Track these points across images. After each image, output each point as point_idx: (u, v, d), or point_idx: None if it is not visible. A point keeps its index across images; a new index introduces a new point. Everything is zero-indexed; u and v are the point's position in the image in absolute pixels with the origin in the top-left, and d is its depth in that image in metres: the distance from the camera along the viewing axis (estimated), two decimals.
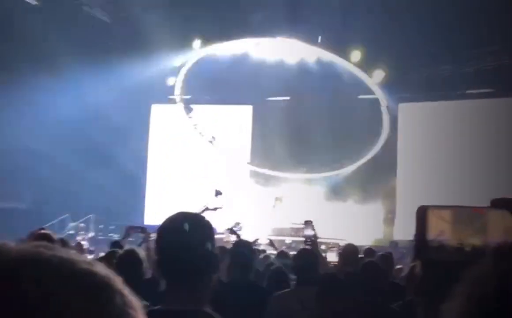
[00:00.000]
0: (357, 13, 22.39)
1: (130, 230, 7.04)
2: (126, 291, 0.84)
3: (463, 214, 1.24)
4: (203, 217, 2.47)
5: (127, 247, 5.76)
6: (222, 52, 26.42)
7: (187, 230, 2.25)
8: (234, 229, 10.25)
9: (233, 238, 10.01)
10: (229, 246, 9.62)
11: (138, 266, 4.96)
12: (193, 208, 14.17)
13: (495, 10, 20.19)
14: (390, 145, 26.80)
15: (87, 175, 23.11)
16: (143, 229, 6.96)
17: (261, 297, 4.63)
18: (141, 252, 5.14)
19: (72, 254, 0.80)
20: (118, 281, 0.84)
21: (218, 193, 12.90)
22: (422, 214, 1.14)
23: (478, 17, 20.48)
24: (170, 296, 2.27)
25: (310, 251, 5.25)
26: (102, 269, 0.82)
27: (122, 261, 4.83)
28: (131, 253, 5.06)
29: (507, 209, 0.91)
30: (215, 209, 11.58)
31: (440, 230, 1.25)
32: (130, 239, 6.92)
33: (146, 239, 6.38)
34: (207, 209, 11.38)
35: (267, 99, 27.17)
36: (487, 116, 24.36)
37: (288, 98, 27.31)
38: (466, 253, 1.19)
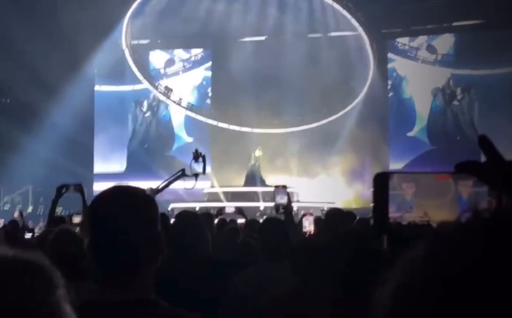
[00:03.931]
0: None
1: (62, 189, 6.72)
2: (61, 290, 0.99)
3: (426, 183, 1.20)
4: (143, 192, 2.38)
5: (62, 226, 5.60)
6: None
7: (125, 208, 2.19)
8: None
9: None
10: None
11: (74, 248, 4.85)
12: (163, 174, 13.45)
13: None
14: (378, 89, 26.74)
15: (21, 142, 22.74)
16: (79, 187, 6.66)
17: (220, 275, 4.55)
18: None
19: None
20: (54, 277, 1.00)
21: (198, 155, 12.08)
22: (381, 182, 1.10)
23: None
24: (108, 283, 2.20)
25: (277, 221, 5.16)
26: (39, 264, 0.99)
27: (55, 243, 4.74)
28: (65, 233, 4.94)
29: (472, 173, 0.88)
30: (195, 175, 10.94)
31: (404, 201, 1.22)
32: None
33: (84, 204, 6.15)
34: (183, 174, 10.72)
35: (229, 42, 26.25)
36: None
37: (261, 38, 26.60)
38: (432, 229, 1.15)
